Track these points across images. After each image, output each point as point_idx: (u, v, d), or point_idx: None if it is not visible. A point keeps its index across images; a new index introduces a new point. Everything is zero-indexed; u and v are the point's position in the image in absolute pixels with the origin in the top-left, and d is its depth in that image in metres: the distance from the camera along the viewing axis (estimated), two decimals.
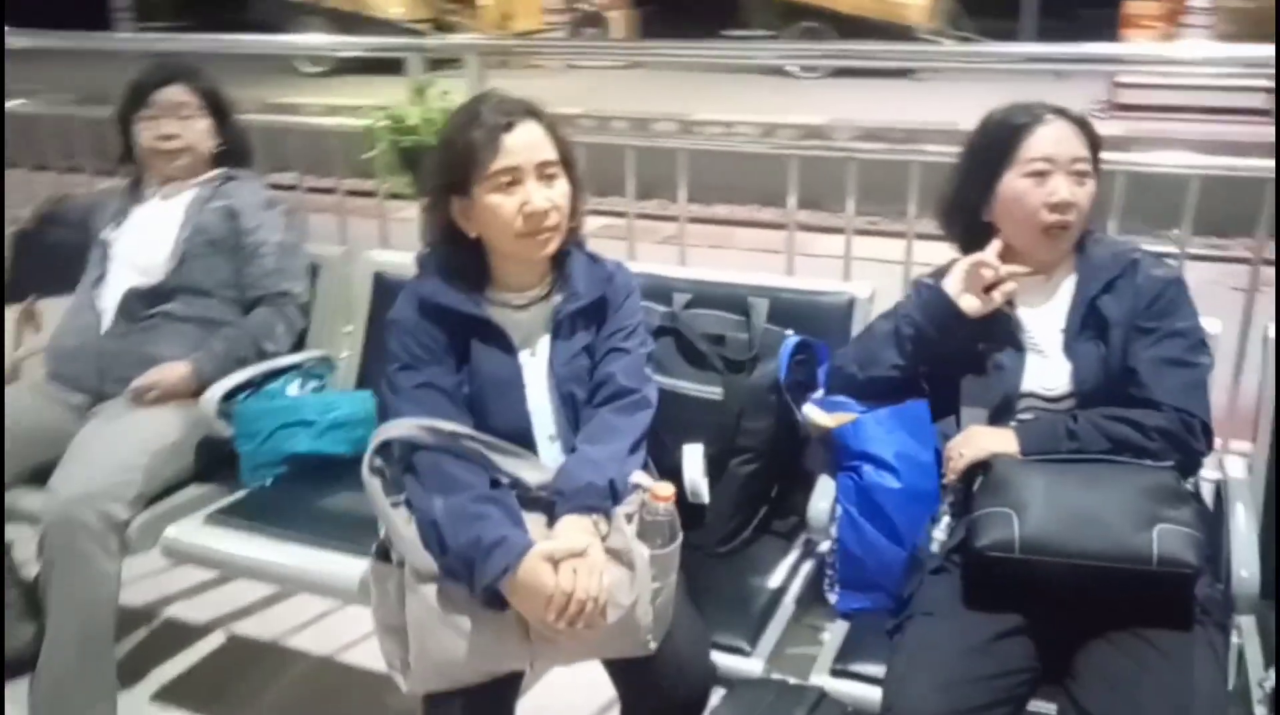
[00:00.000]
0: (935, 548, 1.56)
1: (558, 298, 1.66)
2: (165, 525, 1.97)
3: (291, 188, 3.10)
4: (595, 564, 1.41)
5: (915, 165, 2.47)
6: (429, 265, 1.66)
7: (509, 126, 1.55)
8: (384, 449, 1.55)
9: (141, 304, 2.17)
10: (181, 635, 2.50)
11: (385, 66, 3.41)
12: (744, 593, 1.75)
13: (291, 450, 2.07)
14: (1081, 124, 1.61)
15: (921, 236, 2.36)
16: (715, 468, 1.80)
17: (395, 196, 2.73)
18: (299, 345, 2.30)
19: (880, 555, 1.64)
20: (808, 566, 1.81)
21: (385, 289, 2.29)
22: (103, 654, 1.96)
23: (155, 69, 2.29)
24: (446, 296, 1.60)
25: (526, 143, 1.56)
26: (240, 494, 2.07)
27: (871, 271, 2.22)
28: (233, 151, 2.36)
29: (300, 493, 2.03)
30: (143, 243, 2.22)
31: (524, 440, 1.61)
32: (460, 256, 1.62)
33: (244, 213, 2.23)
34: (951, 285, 1.65)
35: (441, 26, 12.05)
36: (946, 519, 1.59)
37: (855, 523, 1.66)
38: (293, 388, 2.19)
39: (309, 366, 2.27)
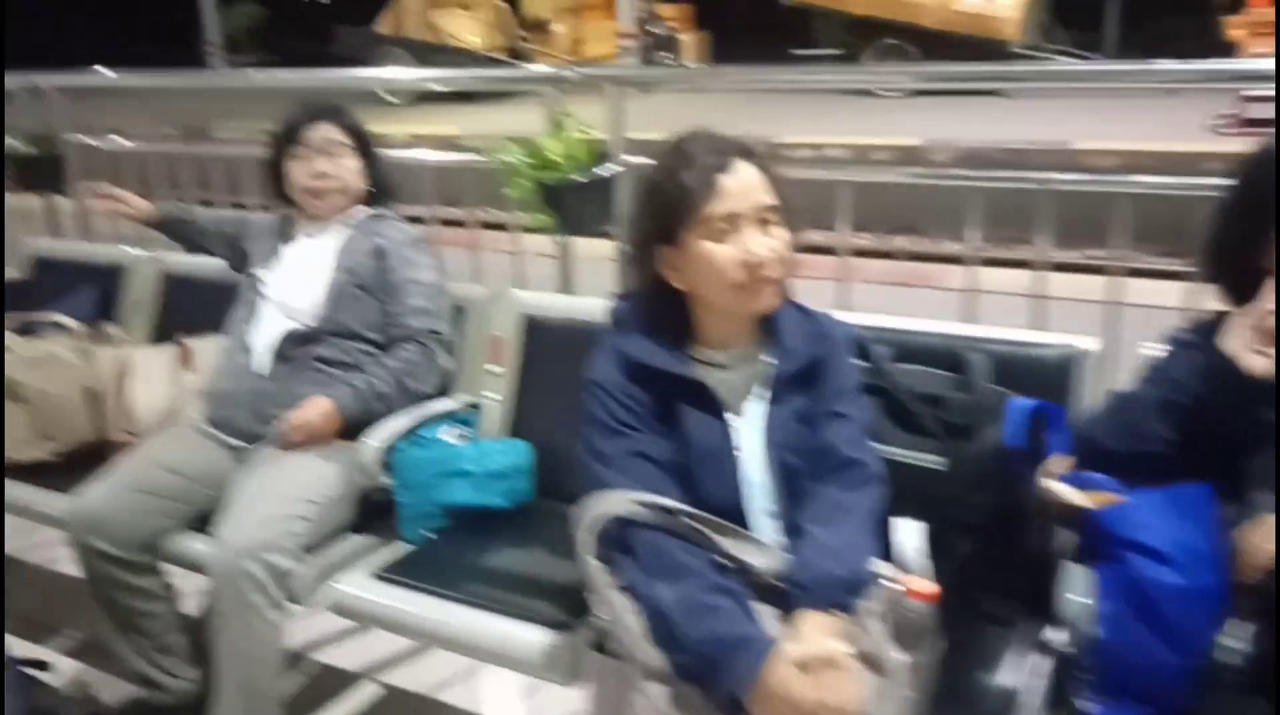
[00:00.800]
0: (1231, 658, 1.31)
1: (768, 357, 1.47)
2: (331, 578, 1.94)
3: (421, 220, 2.97)
4: (851, 672, 1.23)
5: (1124, 197, 2.21)
6: (628, 319, 1.47)
7: (725, 168, 1.38)
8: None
9: (295, 346, 2.15)
10: (336, 682, 2.42)
11: (459, 96, 3.31)
12: (974, 693, 1.52)
13: (451, 501, 2.03)
14: None
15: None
16: (933, 546, 1.57)
17: (534, 231, 2.56)
18: (443, 387, 2.22)
19: (1153, 661, 1.38)
20: (1044, 664, 1.55)
21: (537, 333, 2.21)
22: (268, 705, 1.94)
23: (306, 108, 2.26)
24: (654, 356, 1.43)
25: (744, 186, 1.39)
26: (403, 547, 2.02)
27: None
28: (378, 190, 2.32)
29: (465, 548, 1.97)
30: (295, 285, 2.21)
31: (737, 517, 1.43)
32: (663, 309, 1.44)
33: (392, 252, 2.18)
34: (1232, 343, 1.40)
35: (516, 54, 12.08)
36: (1246, 625, 1.33)
37: (1120, 621, 1.41)
38: (445, 434, 2.12)
39: (460, 413, 2.19)
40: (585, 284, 2.82)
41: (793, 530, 1.43)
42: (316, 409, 2.05)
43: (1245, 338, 1.38)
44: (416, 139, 8.62)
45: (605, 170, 2.49)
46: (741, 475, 1.45)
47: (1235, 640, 1.32)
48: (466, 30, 11.87)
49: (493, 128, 8.75)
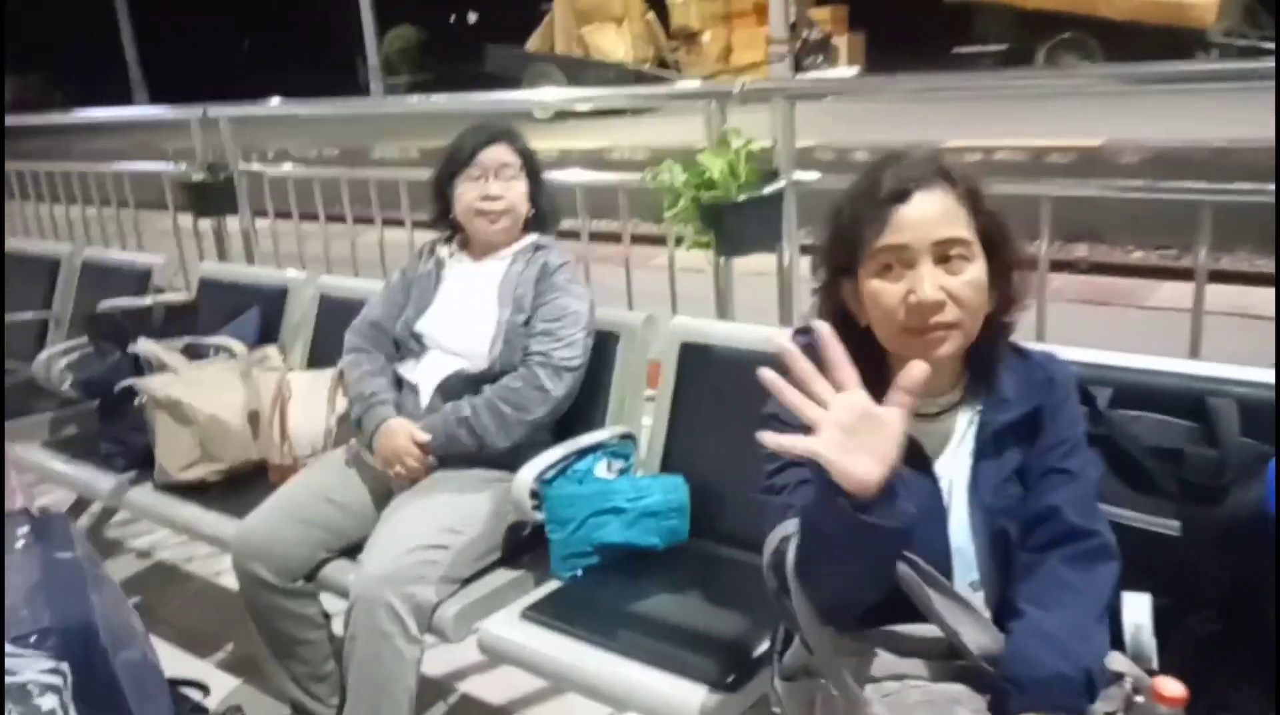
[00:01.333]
0: None
1: (978, 405, 1.29)
2: (478, 616, 1.88)
3: (574, 235, 2.90)
4: None
5: None
6: (814, 357, 1.32)
7: (904, 195, 1.21)
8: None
9: (463, 385, 2.10)
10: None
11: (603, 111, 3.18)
12: None
13: (602, 540, 1.93)
14: None
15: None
16: (1162, 623, 1.34)
17: (697, 245, 2.42)
18: (578, 418, 2.14)
19: None
20: None
21: (694, 360, 2.08)
22: None
23: (480, 129, 2.21)
24: None
25: (923, 216, 1.21)
26: (553, 586, 1.93)
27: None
28: (541, 215, 2.25)
29: (616, 590, 1.87)
30: (464, 325, 2.15)
31: None
32: (853, 347, 1.27)
33: (545, 279, 2.12)
34: None
35: (665, 65, 12.05)
36: None
37: None
38: (600, 468, 2.03)
39: (613, 445, 2.08)
40: (745, 306, 2.66)
41: (1004, 607, 1.24)
42: (398, 436, 2.05)
43: None
44: (565, 154, 8.69)
45: (771, 187, 2.32)
46: (950, 540, 1.27)
47: None
48: (615, 44, 11.90)
49: (643, 140, 8.76)
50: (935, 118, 7.86)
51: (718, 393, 2.03)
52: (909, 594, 1.18)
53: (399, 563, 1.84)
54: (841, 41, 12.11)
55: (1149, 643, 1.32)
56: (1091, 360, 1.56)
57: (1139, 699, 1.12)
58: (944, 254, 1.22)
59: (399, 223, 3.38)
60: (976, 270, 1.23)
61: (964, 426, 1.30)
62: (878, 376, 1.30)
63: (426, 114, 3.76)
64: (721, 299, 2.60)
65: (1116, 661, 1.17)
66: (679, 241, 2.54)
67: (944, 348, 1.24)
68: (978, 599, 1.26)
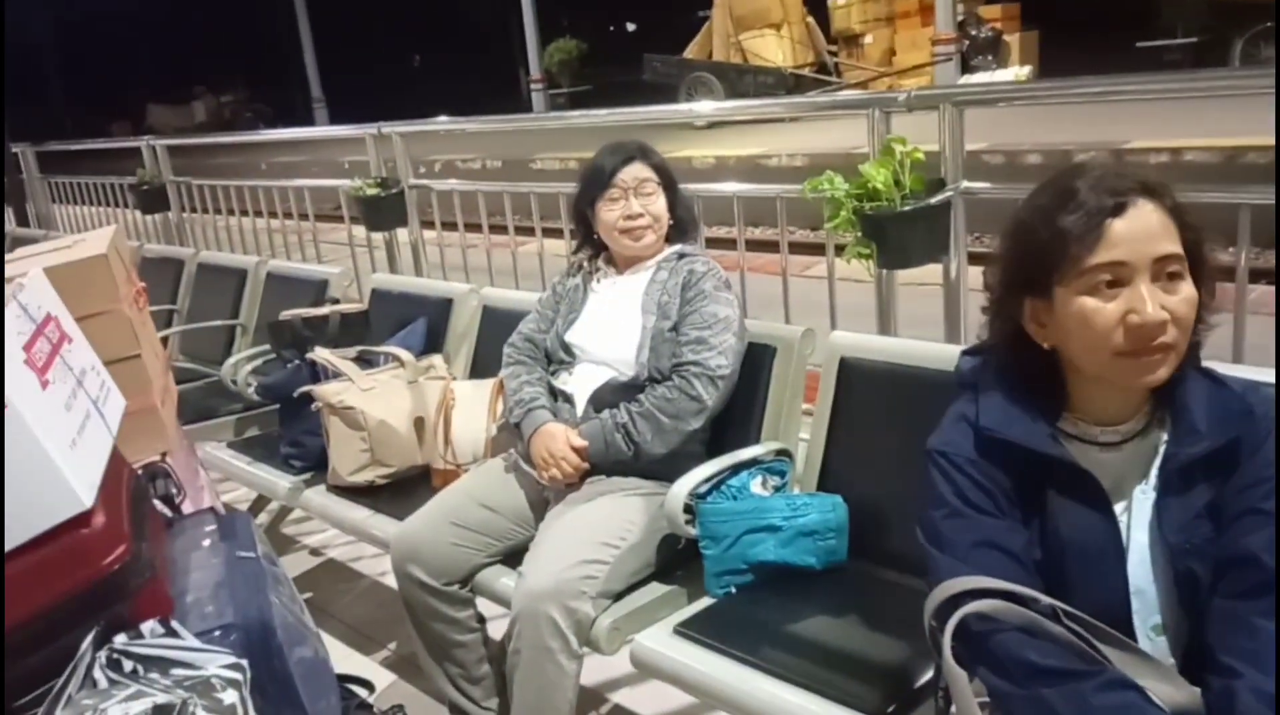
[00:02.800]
0: None
1: (1163, 435, 1.20)
2: (632, 629, 1.87)
3: (730, 243, 2.88)
4: None
5: None
6: (986, 379, 1.26)
7: (1119, 209, 1.13)
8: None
9: (614, 394, 2.12)
10: None
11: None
12: None
13: (757, 558, 1.90)
14: None
15: None
16: None
17: (860, 256, 2.36)
18: (731, 432, 2.13)
19: None
20: None
21: (853, 376, 2.02)
22: None
23: (616, 149, 2.25)
24: (1015, 428, 1.21)
25: (1141, 230, 1.14)
26: (706, 602, 1.92)
27: None
28: (682, 224, 2.28)
29: (771, 610, 1.83)
30: (609, 334, 2.19)
31: (1118, 629, 1.16)
32: (1029, 370, 1.21)
33: (693, 286, 2.13)
34: None
35: (824, 69, 11.86)
36: None
37: None
38: (755, 485, 2.00)
39: (769, 461, 2.05)
40: (910, 318, 2.58)
41: (1193, 656, 1.14)
42: (556, 438, 2.08)
43: None
44: (722, 160, 8.65)
45: (938, 198, 2.24)
46: (1129, 580, 1.19)
47: None
48: (774, 50, 11.79)
49: (802, 146, 8.64)
50: (1117, 116, 7.42)
51: (878, 410, 1.98)
52: (1079, 654, 1.10)
53: (560, 577, 1.85)
54: (1013, 39, 11.63)
55: None
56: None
57: None
58: (1161, 271, 1.15)
59: (559, 233, 3.44)
60: (1190, 288, 1.17)
61: (1148, 458, 1.21)
62: (1051, 403, 1.23)
63: (584, 127, 3.81)
64: (884, 311, 2.52)
65: None
66: (839, 251, 2.48)
67: (1161, 371, 1.17)
68: (1161, 644, 1.17)
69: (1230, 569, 1.14)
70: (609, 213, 2.21)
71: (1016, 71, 10.85)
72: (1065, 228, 1.14)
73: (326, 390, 2.57)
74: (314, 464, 2.68)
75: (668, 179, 2.25)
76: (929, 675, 1.51)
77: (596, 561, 1.89)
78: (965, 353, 1.34)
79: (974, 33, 11.28)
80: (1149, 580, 1.18)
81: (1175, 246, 1.14)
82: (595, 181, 2.23)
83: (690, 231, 2.31)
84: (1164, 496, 1.19)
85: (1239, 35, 8.84)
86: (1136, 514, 1.20)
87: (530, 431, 2.13)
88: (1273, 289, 4.97)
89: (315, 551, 3.41)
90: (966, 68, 10.70)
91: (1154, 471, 1.20)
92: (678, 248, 2.25)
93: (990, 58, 11.18)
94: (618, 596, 1.93)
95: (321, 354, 2.71)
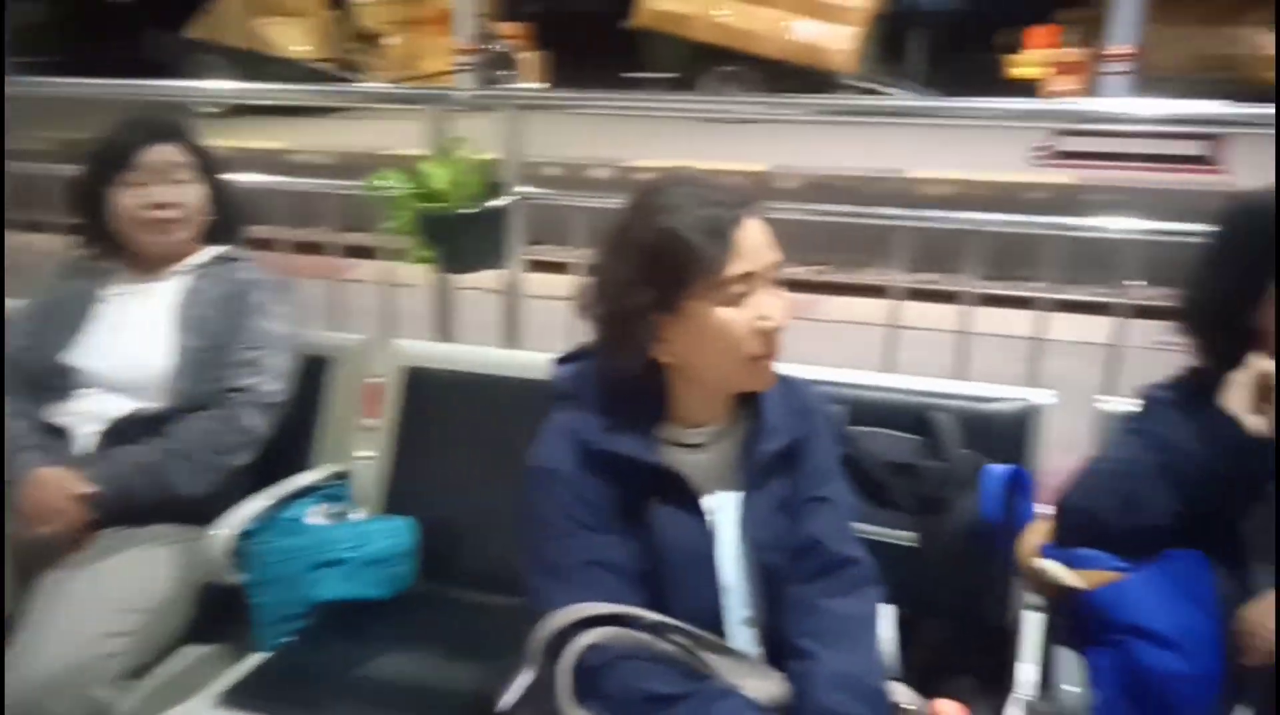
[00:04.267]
0: None
1: (743, 434, 1.27)
2: (161, 706, 1.53)
3: (270, 245, 2.62)
4: None
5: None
6: (586, 390, 1.24)
7: (738, 221, 1.18)
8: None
9: (140, 428, 1.73)
10: None
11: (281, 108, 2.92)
12: None
13: (320, 597, 1.69)
14: None
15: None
16: (902, 634, 1.42)
17: (421, 261, 2.27)
18: (280, 458, 1.84)
19: None
20: None
21: (419, 387, 1.89)
22: None
23: (138, 125, 1.85)
24: (617, 440, 1.21)
25: (759, 241, 1.20)
26: (259, 659, 1.65)
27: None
28: (225, 223, 1.93)
29: (336, 654, 1.63)
30: (135, 354, 1.77)
31: (712, 627, 1.22)
32: (632, 380, 1.22)
33: (243, 298, 1.83)
34: (1235, 403, 1.30)
35: (346, 66, 11.52)
36: (1248, 712, 1.23)
37: (1117, 711, 1.28)
38: (312, 515, 1.78)
39: (326, 487, 1.85)
40: (469, 323, 2.56)
41: (777, 642, 1.23)
42: (49, 485, 1.64)
43: (1246, 398, 1.29)
44: (238, 152, 8.03)
45: (500, 201, 2.23)
46: (720, 578, 1.24)
47: None
48: (293, 40, 11.22)
49: (329, 143, 8.27)
50: (622, 139, 8.10)
51: (451, 422, 1.88)
52: (687, 668, 1.14)
53: (68, 662, 1.49)
54: (527, 58, 12.19)
55: (892, 655, 1.39)
56: (831, 379, 1.61)
57: None
58: (771, 279, 1.22)
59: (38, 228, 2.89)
60: (784, 293, 1.24)
61: (733, 457, 1.28)
62: (651, 411, 1.25)
63: (78, 101, 3.25)
64: (445, 318, 2.47)
65: (900, 693, 1.20)
66: (398, 255, 2.37)
67: (772, 372, 1.24)
68: (750, 636, 1.25)
69: (800, 556, 1.25)
70: (127, 200, 1.81)
71: (534, 88, 11.38)
72: (698, 244, 1.16)
73: None
74: None
75: (208, 165, 1.89)
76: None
77: (118, 634, 1.55)
78: (560, 361, 1.33)
79: (491, 46, 11.64)
80: (738, 575, 1.25)
81: (779, 254, 1.23)
82: (108, 161, 1.82)
83: (236, 232, 1.96)
84: (748, 493, 1.26)
85: (704, 73, 10.11)
86: (724, 512, 1.26)
87: (17, 478, 1.67)
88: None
89: None
90: (487, 81, 10.99)
91: (738, 470, 1.28)
92: (219, 251, 1.91)
93: (506, 73, 11.62)
94: (147, 670, 1.60)
95: None
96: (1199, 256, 1.40)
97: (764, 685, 1.16)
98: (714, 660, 1.15)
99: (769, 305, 1.19)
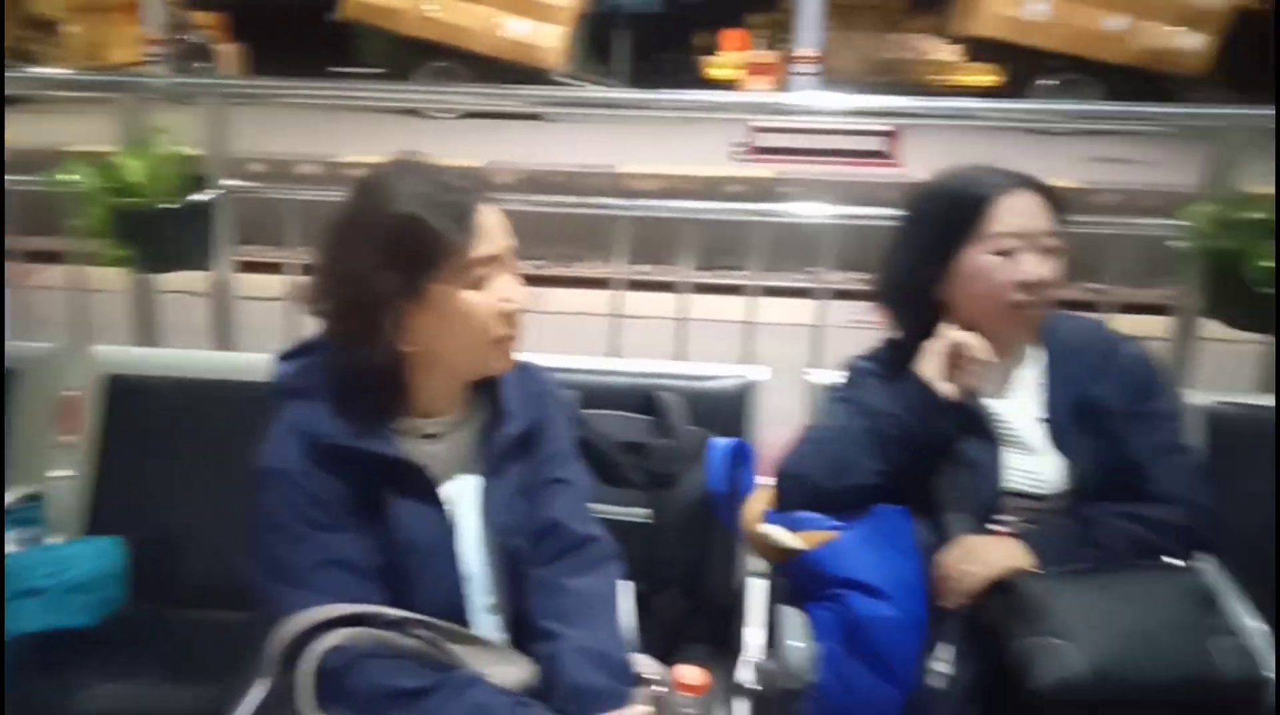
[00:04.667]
0: (939, 683, 1.34)
1: (481, 421, 1.28)
2: None
3: None
4: None
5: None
6: (314, 384, 1.19)
7: (477, 204, 1.17)
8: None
9: None
10: None
11: None
12: None
13: (18, 630, 1.56)
14: (1047, 193, 1.47)
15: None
16: (641, 606, 1.46)
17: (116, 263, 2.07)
18: None
19: (869, 699, 1.37)
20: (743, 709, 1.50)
21: (128, 397, 1.76)
22: None
23: None
24: (349, 433, 1.16)
25: (498, 224, 1.20)
26: None
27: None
28: None
29: (41, 688, 1.48)
30: None
31: (456, 617, 1.21)
32: (365, 371, 1.18)
33: None
34: (927, 370, 1.44)
35: (19, 56, 10.32)
36: (949, 647, 1.37)
37: (837, 661, 1.39)
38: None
39: (17, 511, 1.70)
40: (176, 328, 2.36)
41: (524, 626, 1.23)
42: None
43: (937, 365, 1.43)
44: None
45: (203, 195, 2.07)
46: (462, 567, 1.23)
47: (941, 665, 1.35)
48: None
49: None
50: (330, 133, 7.79)
51: (156, 431, 1.76)
52: (436, 661, 1.13)
53: None
54: (224, 50, 11.41)
55: (632, 629, 1.43)
56: (562, 365, 1.63)
57: (663, 692, 1.17)
58: (511, 263, 1.21)
59: None
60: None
61: (471, 445, 1.27)
62: (386, 402, 1.21)
63: None
64: (146, 323, 2.26)
65: (643, 664, 1.23)
66: (89, 258, 2.15)
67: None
68: (495, 622, 1.25)
69: (542, 538, 1.26)
70: None
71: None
72: (441, 227, 1.13)
73: None
74: None
75: None
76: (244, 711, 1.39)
77: None
78: (284, 357, 1.26)
79: (185, 37, 10.82)
80: (481, 562, 1.24)
81: (514, 239, 1.22)
82: None
83: None
84: (488, 479, 1.26)
85: (416, 68, 9.89)
86: (464, 500, 1.25)
87: None
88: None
89: None
90: (180, 72, 10.21)
91: (477, 457, 1.27)
92: None
93: (202, 65, 10.84)
94: None
95: None
96: (890, 239, 1.54)
97: (510, 670, 1.16)
98: (459, 650, 1.14)
99: (510, 287, 1.19)
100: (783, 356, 2.10)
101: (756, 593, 1.51)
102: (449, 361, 1.21)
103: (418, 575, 1.18)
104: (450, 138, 7.65)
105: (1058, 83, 8.73)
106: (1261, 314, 2.06)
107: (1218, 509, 1.43)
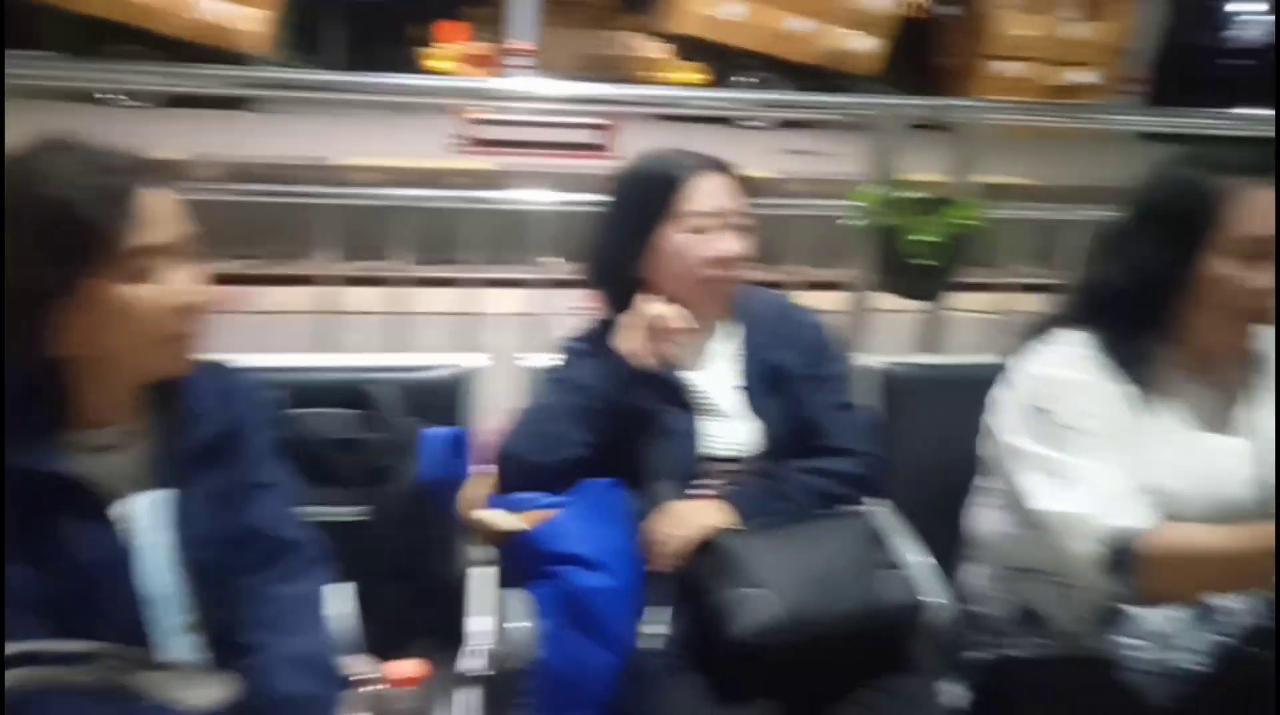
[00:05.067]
0: (653, 643, 1.42)
1: (164, 428, 1.18)
2: None
3: None
4: None
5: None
6: None
7: (138, 187, 1.06)
8: None
9: None
10: None
11: None
12: None
13: None
14: (736, 176, 1.58)
15: None
16: (365, 607, 1.44)
17: None
18: None
19: (591, 667, 1.43)
20: (474, 695, 1.51)
21: None
22: None
23: None
24: (6, 450, 1.05)
25: (168, 210, 1.09)
26: None
27: None
28: None
29: None
30: None
31: (141, 642, 1.12)
32: (19, 380, 1.06)
33: None
34: (625, 343, 1.51)
35: None
36: (661, 609, 1.45)
37: (560, 636, 1.43)
38: None
39: None
40: None
41: (226, 642, 1.17)
42: None
43: (634, 338, 1.50)
44: None
45: None
46: (145, 589, 1.13)
47: (655, 626, 1.42)
48: None
49: None
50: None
51: None
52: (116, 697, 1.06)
53: None
54: None
55: (355, 630, 1.40)
56: (267, 365, 1.56)
57: (378, 689, 1.16)
58: (188, 252, 1.12)
59: None
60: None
61: (149, 456, 1.18)
62: (45, 413, 1.10)
63: None
64: None
65: (355, 664, 1.20)
66: None
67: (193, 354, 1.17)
68: (192, 642, 1.17)
69: (242, 547, 1.20)
70: None
71: None
72: (90, 214, 1.02)
73: None
74: None
75: None
76: None
77: None
78: None
79: None
80: (170, 580, 1.16)
81: (192, 227, 1.13)
82: None
83: None
84: (174, 490, 1.17)
85: (101, 52, 9.04)
86: (146, 516, 1.16)
87: None
88: None
89: None
90: None
91: (161, 468, 1.18)
92: None
93: None
94: None
95: None
96: (594, 222, 1.61)
97: (207, 691, 1.11)
98: (145, 678, 1.07)
99: (184, 280, 1.10)
100: (507, 346, 2.12)
101: (477, 581, 1.51)
102: (116, 364, 1.11)
103: (92, 601, 1.08)
104: (144, 128, 7.07)
105: (756, 81, 9.32)
106: (918, 283, 2.36)
107: (888, 457, 1.61)
